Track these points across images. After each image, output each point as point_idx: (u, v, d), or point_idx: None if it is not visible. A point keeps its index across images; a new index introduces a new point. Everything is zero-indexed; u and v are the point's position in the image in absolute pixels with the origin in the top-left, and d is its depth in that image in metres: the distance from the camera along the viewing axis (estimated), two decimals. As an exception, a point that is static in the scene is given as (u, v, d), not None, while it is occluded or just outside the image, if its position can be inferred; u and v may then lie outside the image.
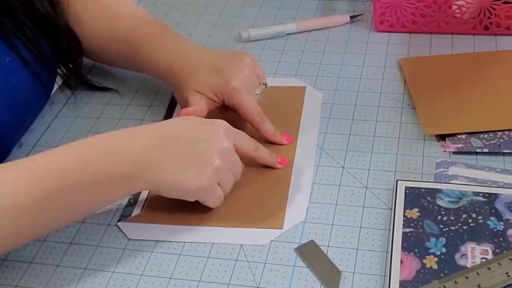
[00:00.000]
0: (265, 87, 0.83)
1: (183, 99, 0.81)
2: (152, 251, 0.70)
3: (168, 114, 0.87)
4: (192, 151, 0.68)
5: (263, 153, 0.76)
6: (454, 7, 0.96)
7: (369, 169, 0.77)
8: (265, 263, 0.67)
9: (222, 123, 0.71)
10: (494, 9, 0.95)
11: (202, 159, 0.67)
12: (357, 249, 0.68)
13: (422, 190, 0.71)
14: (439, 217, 0.68)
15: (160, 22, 0.89)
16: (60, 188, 0.63)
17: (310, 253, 0.68)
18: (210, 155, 0.68)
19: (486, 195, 0.70)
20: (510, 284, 0.61)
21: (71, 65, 0.91)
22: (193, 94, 0.80)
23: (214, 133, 0.69)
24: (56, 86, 0.93)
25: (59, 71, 0.91)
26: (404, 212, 0.69)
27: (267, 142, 0.81)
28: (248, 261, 0.68)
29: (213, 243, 0.70)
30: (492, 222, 0.67)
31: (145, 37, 0.86)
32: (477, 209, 0.69)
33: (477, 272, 0.62)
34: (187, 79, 0.81)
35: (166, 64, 0.83)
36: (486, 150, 0.77)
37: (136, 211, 0.74)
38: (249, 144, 0.74)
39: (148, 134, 0.69)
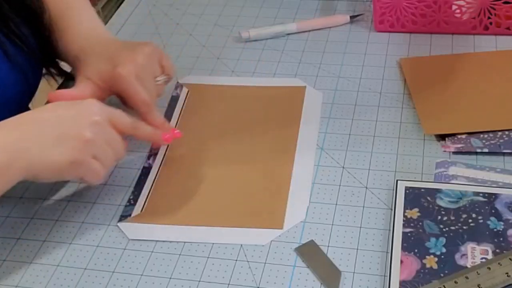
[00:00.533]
0: (168, 79, 0.82)
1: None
2: (152, 251, 0.70)
3: (168, 114, 0.87)
4: (60, 129, 0.67)
5: (144, 130, 0.75)
6: (454, 7, 0.96)
7: (369, 169, 0.77)
8: (265, 263, 0.67)
9: (93, 101, 0.70)
10: (494, 9, 0.95)
11: (70, 134, 0.67)
12: (357, 249, 0.68)
13: (422, 190, 0.71)
14: (439, 217, 0.68)
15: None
16: None
17: (310, 253, 0.68)
18: (78, 130, 0.67)
19: (486, 195, 0.70)
20: (510, 284, 0.61)
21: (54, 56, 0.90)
22: (80, 80, 0.79)
23: (83, 109, 0.69)
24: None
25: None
26: (404, 212, 0.69)
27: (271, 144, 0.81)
28: (248, 261, 0.68)
29: (213, 243, 0.70)
30: (492, 222, 0.67)
31: (63, 21, 0.85)
32: (477, 209, 0.69)
33: (477, 272, 0.62)
34: (82, 68, 0.80)
35: (72, 53, 0.83)
36: (486, 150, 0.77)
37: (136, 211, 0.74)
38: (126, 120, 0.72)
39: (15, 122, 0.67)
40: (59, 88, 0.94)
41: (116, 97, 0.80)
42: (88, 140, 0.67)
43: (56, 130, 0.67)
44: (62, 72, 0.91)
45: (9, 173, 0.65)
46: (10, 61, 0.79)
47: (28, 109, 0.96)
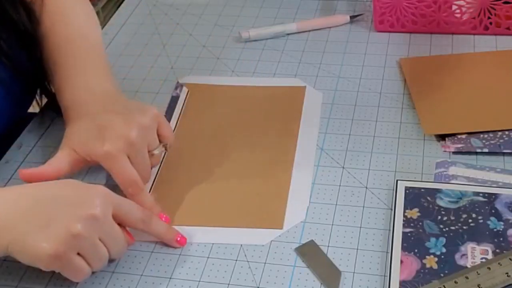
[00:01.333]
0: (165, 149, 0.76)
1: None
2: (152, 251, 0.70)
3: (168, 114, 0.87)
4: (51, 214, 0.61)
5: (157, 226, 0.68)
6: (454, 7, 0.96)
7: (369, 169, 0.77)
8: (265, 263, 0.67)
9: (101, 189, 0.64)
10: (494, 9, 0.95)
11: (59, 224, 0.60)
12: (357, 249, 0.68)
13: (422, 190, 0.71)
14: (439, 217, 0.68)
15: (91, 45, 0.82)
16: None
17: (310, 253, 0.68)
18: (69, 220, 0.61)
19: (486, 195, 0.70)
20: (510, 284, 0.61)
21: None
22: (64, 148, 0.72)
23: (85, 197, 0.63)
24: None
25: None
26: (404, 212, 0.69)
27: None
28: (248, 261, 0.68)
29: (213, 243, 0.70)
30: (492, 222, 0.67)
31: (64, 59, 0.79)
32: (477, 209, 0.69)
33: (477, 272, 0.62)
34: (69, 133, 0.74)
35: (64, 102, 0.77)
36: (486, 150, 0.77)
37: None
38: (135, 215, 0.66)
39: (14, 194, 0.64)
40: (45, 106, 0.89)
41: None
42: (76, 235, 0.60)
43: (48, 214, 0.61)
44: (51, 94, 0.85)
45: None
46: (4, 87, 0.77)
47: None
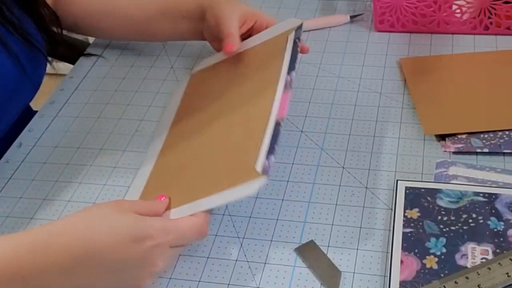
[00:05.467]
0: None
1: (229, 19, 0.84)
2: (152, 251, 0.70)
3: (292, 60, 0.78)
4: (119, 277, 0.61)
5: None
6: (454, 7, 0.96)
7: (369, 169, 0.77)
8: (265, 263, 0.67)
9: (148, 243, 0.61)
10: (494, 9, 0.95)
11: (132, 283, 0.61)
12: (357, 249, 0.68)
13: (422, 190, 0.71)
14: (439, 217, 0.68)
15: None
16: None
17: (310, 253, 0.68)
18: (139, 281, 0.61)
19: (486, 195, 0.70)
20: (510, 284, 0.61)
21: (55, 32, 0.90)
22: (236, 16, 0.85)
23: (143, 253, 0.60)
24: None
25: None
26: (404, 212, 0.69)
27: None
28: (248, 261, 0.68)
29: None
30: (492, 222, 0.67)
31: None
32: (477, 209, 0.69)
33: (477, 272, 0.62)
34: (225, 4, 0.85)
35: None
36: (486, 150, 0.77)
37: None
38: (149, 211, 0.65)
39: (69, 253, 0.59)
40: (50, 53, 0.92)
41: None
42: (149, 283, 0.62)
43: (115, 277, 0.61)
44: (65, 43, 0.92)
45: None
46: (9, 53, 0.78)
47: (29, 107, 0.96)
